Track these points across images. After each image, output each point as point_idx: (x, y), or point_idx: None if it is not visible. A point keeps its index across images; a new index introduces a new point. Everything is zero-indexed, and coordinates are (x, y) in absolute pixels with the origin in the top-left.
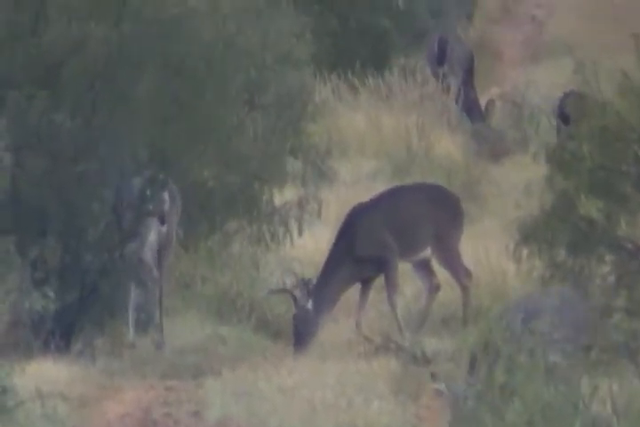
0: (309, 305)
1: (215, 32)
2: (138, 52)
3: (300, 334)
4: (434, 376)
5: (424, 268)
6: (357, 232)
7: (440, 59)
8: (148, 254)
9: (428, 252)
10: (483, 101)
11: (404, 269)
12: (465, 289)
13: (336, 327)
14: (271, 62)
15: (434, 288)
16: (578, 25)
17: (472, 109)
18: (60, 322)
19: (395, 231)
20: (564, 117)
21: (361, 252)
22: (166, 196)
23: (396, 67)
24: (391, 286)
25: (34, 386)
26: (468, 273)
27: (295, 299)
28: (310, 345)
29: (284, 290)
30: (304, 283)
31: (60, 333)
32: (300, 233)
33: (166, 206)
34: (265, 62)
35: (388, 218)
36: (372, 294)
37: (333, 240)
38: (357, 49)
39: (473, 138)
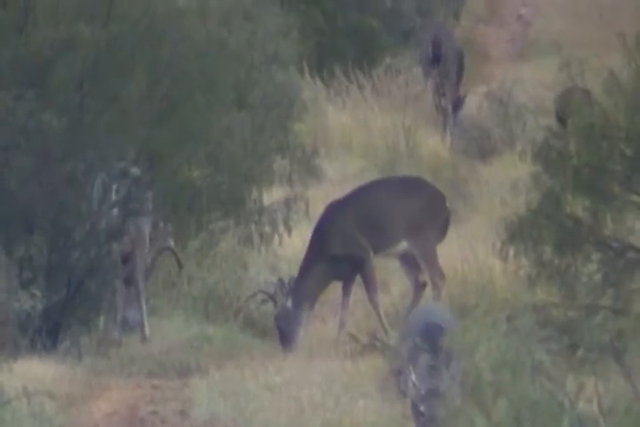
0: (289, 304)
1: (203, 32)
2: (126, 53)
3: (284, 333)
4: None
5: (411, 265)
6: (330, 230)
7: (435, 60)
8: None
9: (403, 245)
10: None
11: (392, 267)
12: (436, 289)
13: (323, 326)
14: (258, 62)
15: (420, 286)
16: (564, 24)
17: (458, 108)
18: (46, 321)
19: (365, 227)
20: (560, 118)
21: (334, 250)
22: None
23: (383, 66)
24: (369, 284)
25: (21, 385)
26: (441, 274)
27: (274, 299)
28: (295, 342)
29: (261, 292)
30: (281, 283)
31: (46, 331)
32: (289, 233)
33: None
34: (252, 62)
35: (358, 214)
36: (358, 293)
37: (310, 238)
38: (344, 48)
39: (459, 136)
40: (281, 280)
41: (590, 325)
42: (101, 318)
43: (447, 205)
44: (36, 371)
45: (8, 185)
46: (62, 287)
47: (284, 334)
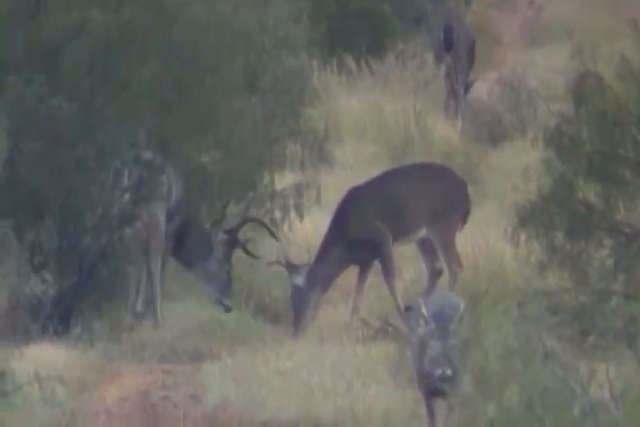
0: (302, 284)
1: (213, 17)
2: (137, 38)
3: (295, 312)
4: None
5: (429, 251)
6: (350, 215)
7: (447, 46)
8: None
9: (423, 232)
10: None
11: (404, 252)
12: (452, 276)
13: (334, 311)
14: (269, 47)
15: (436, 273)
16: (576, 9)
17: (466, 92)
18: (58, 306)
19: (386, 214)
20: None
21: (353, 235)
22: (164, 179)
23: (394, 51)
24: (388, 270)
25: (32, 370)
26: (459, 262)
27: (289, 276)
28: (304, 324)
29: (278, 262)
30: (295, 264)
31: (58, 317)
32: (301, 218)
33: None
34: (263, 47)
35: (380, 200)
36: (370, 278)
37: (329, 222)
38: (356, 33)
39: (470, 121)
40: (290, 263)
41: (602, 310)
42: (113, 303)
43: (468, 192)
44: (47, 356)
45: (18, 169)
46: (74, 272)
47: (295, 314)
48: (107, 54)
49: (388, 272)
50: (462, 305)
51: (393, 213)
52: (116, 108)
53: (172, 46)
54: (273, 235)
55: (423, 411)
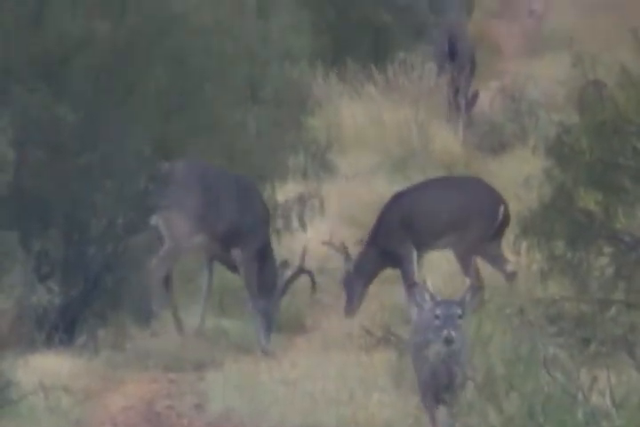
0: (351, 269)
1: (216, 26)
2: (141, 48)
3: (347, 294)
4: None
5: (494, 259)
6: (380, 223)
7: (451, 55)
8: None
9: (445, 242)
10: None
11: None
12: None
13: (337, 320)
14: (272, 57)
15: (510, 275)
16: (576, 19)
17: (472, 103)
18: (63, 315)
19: (410, 223)
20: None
21: (380, 243)
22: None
23: (396, 61)
24: (406, 280)
25: (37, 379)
26: (475, 277)
27: (345, 259)
28: (352, 308)
29: (332, 245)
30: (344, 248)
31: (63, 326)
32: (304, 228)
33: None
34: (265, 56)
35: (407, 209)
36: (371, 288)
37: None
38: (357, 43)
39: (471, 131)
40: (345, 247)
41: (603, 318)
42: (118, 311)
43: (502, 209)
44: (52, 365)
45: (23, 179)
46: (79, 282)
47: (346, 297)
48: (111, 63)
49: (407, 283)
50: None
51: (416, 222)
52: (121, 117)
53: (176, 56)
54: (314, 289)
55: (425, 419)
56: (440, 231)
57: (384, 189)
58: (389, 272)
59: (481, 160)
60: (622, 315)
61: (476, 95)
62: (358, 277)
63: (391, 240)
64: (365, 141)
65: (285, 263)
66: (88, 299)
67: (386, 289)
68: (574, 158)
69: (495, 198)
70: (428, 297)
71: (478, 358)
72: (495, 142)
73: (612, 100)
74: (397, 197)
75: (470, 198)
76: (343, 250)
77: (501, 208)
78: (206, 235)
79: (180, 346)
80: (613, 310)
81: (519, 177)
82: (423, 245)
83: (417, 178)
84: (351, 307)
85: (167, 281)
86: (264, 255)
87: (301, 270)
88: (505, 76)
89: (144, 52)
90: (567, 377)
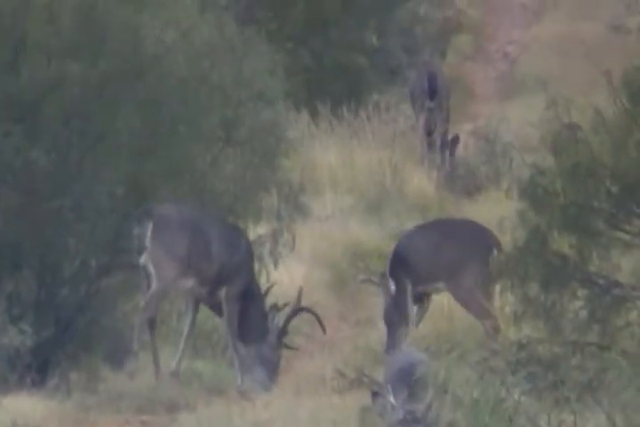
0: (390, 300)
1: (190, 69)
2: (114, 90)
3: (387, 329)
4: None
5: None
6: (390, 259)
7: (432, 94)
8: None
9: (441, 286)
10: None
11: (379, 303)
12: (487, 331)
13: (310, 362)
14: (245, 99)
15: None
16: (550, 62)
17: (446, 144)
18: (36, 356)
19: (405, 263)
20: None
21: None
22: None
23: (370, 103)
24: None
25: (10, 420)
26: (488, 316)
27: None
28: (395, 341)
29: (369, 280)
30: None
31: (35, 367)
32: (276, 266)
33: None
34: (239, 99)
35: (406, 249)
36: (345, 329)
37: None
38: (331, 85)
39: (446, 173)
40: (384, 275)
41: (576, 362)
42: (90, 354)
43: (496, 250)
44: (25, 406)
45: None
46: (52, 323)
47: (387, 331)
48: (84, 106)
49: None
50: (424, 361)
51: (411, 263)
52: (94, 160)
53: (148, 98)
54: (322, 327)
55: None
56: (435, 276)
57: (358, 230)
58: (362, 314)
59: (455, 202)
60: (594, 358)
61: (456, 139)
62: (400, 305)
63: (392, 276)
64: (339, 183)
65: (275, 306)
66: (60, 340)
67: (359, 331)
68: (548, 201)
69: (487, 241)
70: (390, 409)
71: (444, 405)
72: (469, 184)
73: (586, 143)
74: (401, 236)
75: (462, 242)
76: (383, 285)
77: (495, 250)
78: (196, 279)
79: (153, 388)
80: (585, 353)
81: (493, 219)
82: (419, 287)
83: (391, 220)
84: (392, 340)
85: (151, 322)
86: (250, 296)
87: (300, 308)
88: (479, 118)
89: (116, 95)
90: (533, 423)
